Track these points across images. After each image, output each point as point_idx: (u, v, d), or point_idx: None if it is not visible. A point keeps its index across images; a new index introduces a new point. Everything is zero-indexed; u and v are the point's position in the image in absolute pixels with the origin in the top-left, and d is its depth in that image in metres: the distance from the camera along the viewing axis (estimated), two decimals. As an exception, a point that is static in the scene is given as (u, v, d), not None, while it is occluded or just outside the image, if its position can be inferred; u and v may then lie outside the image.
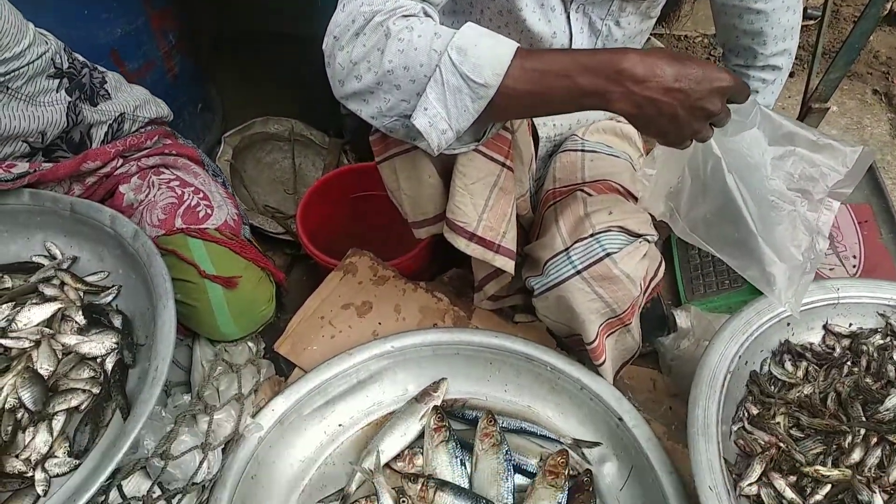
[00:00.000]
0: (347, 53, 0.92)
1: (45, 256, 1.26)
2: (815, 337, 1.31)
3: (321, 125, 2.23)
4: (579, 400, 1.34)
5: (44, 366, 1.07)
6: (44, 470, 0.97)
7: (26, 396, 1.02)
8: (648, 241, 1.19)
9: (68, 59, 1.26)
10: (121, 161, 1.36)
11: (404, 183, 1.22)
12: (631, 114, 0.89)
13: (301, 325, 1.46)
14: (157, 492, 1.08)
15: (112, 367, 1.09)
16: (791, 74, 2.24)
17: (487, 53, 0.86)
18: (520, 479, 1.26)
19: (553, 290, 1.20)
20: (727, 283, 1.72)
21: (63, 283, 1.20)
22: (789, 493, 1.06)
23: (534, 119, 1.41)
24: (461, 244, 1.19)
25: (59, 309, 1.15)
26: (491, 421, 1.29)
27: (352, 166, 1.92)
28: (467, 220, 1.17)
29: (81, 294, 1.19)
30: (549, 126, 1.44)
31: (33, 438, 1.00)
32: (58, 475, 0.97)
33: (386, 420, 1.36)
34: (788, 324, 1.27)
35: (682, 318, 1.59)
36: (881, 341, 1.26)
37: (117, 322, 1.16)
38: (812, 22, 2.79)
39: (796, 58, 1.55)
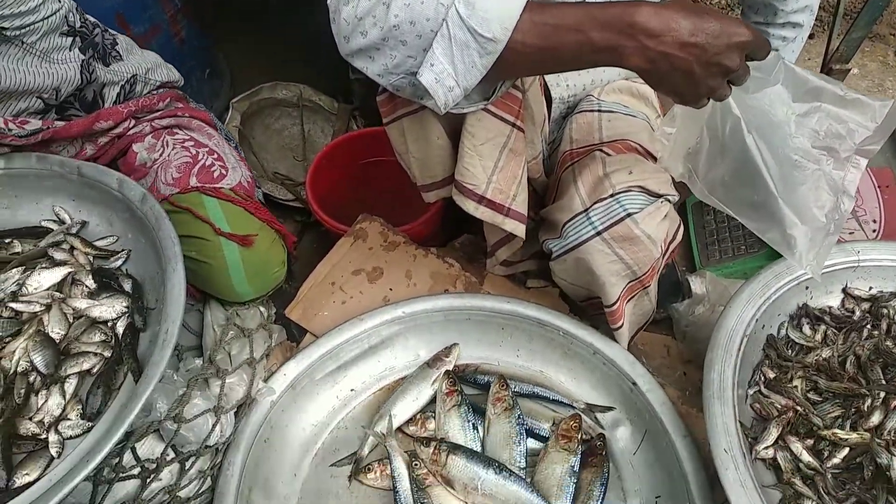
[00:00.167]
0: (353, 8, 0.89)
1: (55, 221, 1.25)
2: (834, 300, 1.28)
3: (330, 91, 2.19)
4: (592, 365, 1.33)
5: (55, 329, 1.07)
6: (57, 432, 0.97)
7: (38, 360, 1.02)
8: (669, 202, 1.17)
9: (80, 19, 1.25)
10: (133, 122, 1.37)
11: (412, 145, 1.19)
12: (644, 70, 0.86)
13: (312, 290, 1.45)
14: (171, 454, 1.09)
15: (123, 331, 1.09)
16: (811, 36, 2.18)
17: (496, 6, 0.83)
18: (532, 444, 1.26)
19: (572, 253, 1.18)
20: (743, 249, 1.70)
21: (72, 248, 1.19)
22: (806, 457, 1.05)
23: (546, 79, 1.38)
24: (470, 207, 1.17)
25: (69, 273, 1.15)
26: (503, 385, 1.28)
27: (361, 131, 1.89)
28: (476, 183, 1.15)
29: (91, 258, 1.19)
30: (563, 87, 1.40)
31: (46, 401, 1.00)
32: (71, 437, 0.97)
33: (398, 385, 1.36)
34: (807, 287, 1.25)
35: (696, 285, 1.57)
36: (903, 305, 1.23)
37: (127, 286, 1.15)
38: (834, -19, 2.71)
39: (816, 19, 1.50)
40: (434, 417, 1.29)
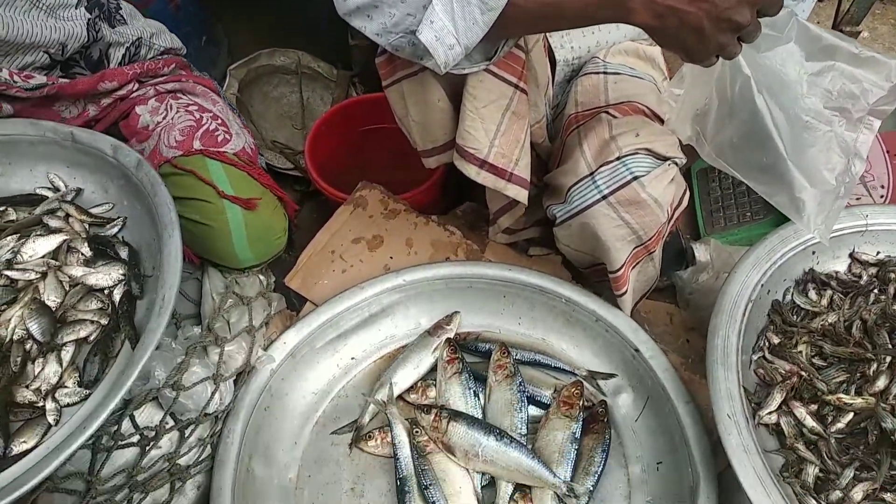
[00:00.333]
0: None
1: (49, 188, 1.23)
2: (840, 265, 1.26)
3: (329, 57, 2.15)
4: (594, 332, 1.31)
5: (51, 297, 1.06)
6: (54, 400, 0.96)
7: (34, 327, 1.01)
8: (676, 165, 1.14)
9: None
10: (137, 85, 1.36)
11: (412, 108, 1.17)
12: (651, 26, 0.83)
13: (312, 259, 1.44)
14: (170, 422, 1.09)
15: (120, 299, 1.08)
16: (821, -2, 2.12)
17: None
18: (534, 411, 1.25)
19: (577, 218, 1.16)
20: (748, 216, 1.67)
21: (68, 215, 1.18)
22: (810, 422, 1.04)
23: (550, 41, 1.34)
24: (471, 172, 1.14)
25: (65, 241, 1.13)
26: (504, 353, 1.27)
27: (361, 97, 1.86)
28: (478, 146, 1.12)
29: (87, 226, 1.17)
30: (567, 49, 1.36)
31: (43, 369, 0.99)
32: (68, 405, 0.97)
33: (399, 353, 1.35)
34: (814, 252, 1.23)
35: (700, 252, 1.55)
36: (911, 269, 1.21)
37: (123, 254, 1.14)
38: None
39: (827, -22, 1.46)
40: (435, 385, 1.28)
